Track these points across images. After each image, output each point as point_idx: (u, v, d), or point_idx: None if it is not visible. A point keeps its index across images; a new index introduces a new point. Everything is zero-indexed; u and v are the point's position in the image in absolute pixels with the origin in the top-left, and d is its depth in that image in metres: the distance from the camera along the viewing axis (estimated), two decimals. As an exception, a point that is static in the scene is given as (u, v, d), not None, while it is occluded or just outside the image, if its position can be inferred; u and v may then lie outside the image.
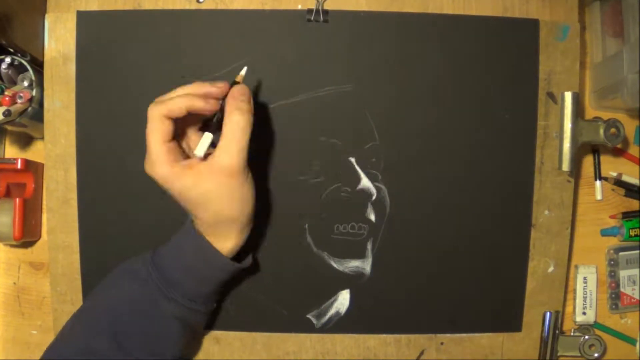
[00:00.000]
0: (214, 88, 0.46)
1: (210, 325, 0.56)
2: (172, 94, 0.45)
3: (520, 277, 0.57)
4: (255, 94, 0.54)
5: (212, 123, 0.46)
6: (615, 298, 0.61)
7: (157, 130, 0.44)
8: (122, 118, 0.54)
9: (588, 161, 0.62)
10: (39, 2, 0.54)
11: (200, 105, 0.44)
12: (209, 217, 0.45)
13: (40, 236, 0.59)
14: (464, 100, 0.56)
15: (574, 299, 0.61)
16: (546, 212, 0.57)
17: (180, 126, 0.47)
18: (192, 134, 0.48)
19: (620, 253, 0.61)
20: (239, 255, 0.49)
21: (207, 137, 0.45)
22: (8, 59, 0.52)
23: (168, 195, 0.46)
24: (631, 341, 0.61)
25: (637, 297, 0.61)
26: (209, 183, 0.44)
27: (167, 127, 0.44)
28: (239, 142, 0.44)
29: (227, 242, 0.47)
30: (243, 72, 0.48)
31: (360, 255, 0.56)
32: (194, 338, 0.54)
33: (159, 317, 0.47)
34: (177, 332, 0.48)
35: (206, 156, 0.45)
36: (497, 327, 0.57)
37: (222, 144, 0.44)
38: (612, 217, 0.62)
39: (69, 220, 0.55)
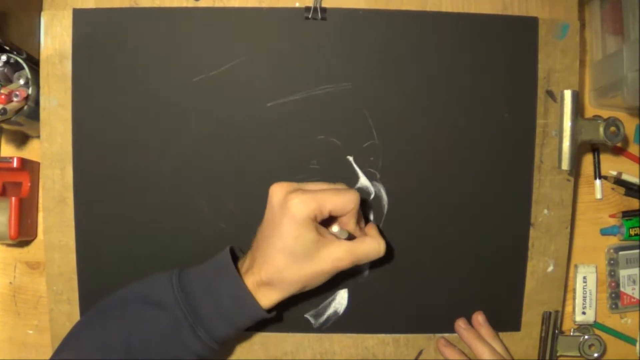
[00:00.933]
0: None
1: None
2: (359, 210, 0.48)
3: (520, 277, 0.56)
4: (253, 92, 0.54)
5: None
6: (615, 298, 0.61)
7: (341, 203, 0.45)
8: (118, 116, 0.54)
9: (588, 160, 0.62)
10: (35, -1, 0.54)
11: (354, 227, 0.49)
12: (280, 271, 0.45)
13: (36, 235, 0.59)
14: (462, 99, 0.55)
15: (574, 298, 0.60)
16: (545, 211, 0.56)
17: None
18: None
19: (620, 252, 0.61)
20: None
21: (345, 234, 0.47)
22: (4, 57, 0.52)
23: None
24: (631, 341, 0.61)
25: (637, 297, 0.61)
26: (321, 255, 0.45)
27: (343, 211, 0.46)
28: (361, 259, 0.46)
29: (263, 300, 0.46)
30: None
31: (359, 255, 0.56)
32: None
33: (180, 351, 0.46)
34: None
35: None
36: (496, 327, 0.56)
37: (352, 247, 0.46)
38: (612, 216, 0.61)
39: (66, 219, 0.54)
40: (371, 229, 0.50)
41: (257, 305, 0.46)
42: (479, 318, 0.56)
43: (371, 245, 0.47)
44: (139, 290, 0.47)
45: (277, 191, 0.46)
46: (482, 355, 0.53)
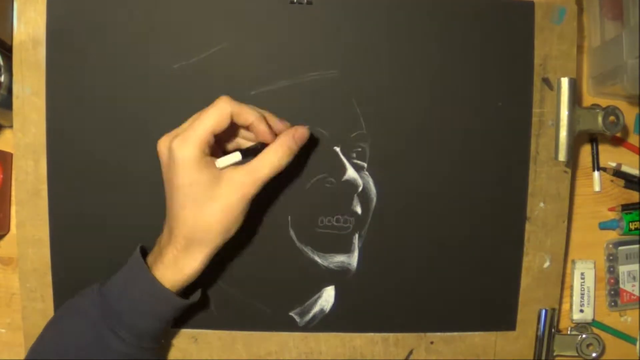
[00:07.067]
0: (281, 125, 0.48)
1: (188, 324, 0.54)
2: (245, 105, 0.46)
3: (515, 273, 0.55)
4: (235, 80, 0.53)
5: (248, 148, 0.47)
6: (614, 295, 0.60)
7: (215, 119, 0.44)
8: (95, 105, 0.52)
9: (586, 151, 0.61)
10: (7, -18, 0.52)
11: (263, 129, 0.46)
12: (192, 226, 0.44)
13: (9, 230, 0.57)
14: (455, 87, 0.54)
15: (571, 295, 0.59)
16: (542, 204, 0.55)
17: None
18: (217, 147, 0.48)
19: (620, 247, 0.60)
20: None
21: (237, 156, 0.45)
22: (-27, 43, 0.50)
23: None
24: (631, 340, 0.60)
25: (637, 294, 0.60)
26: (222, 190, 0.44)
27: (224, 123, 0.44)
28: (266, 174, 0.45)
29: (192, 264, 0.45)
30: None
31: (346, 250, 0.54)
32: None
33: (107, 353, 0.45)
34: None
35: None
36: (489, 326, 0.56)
37: (251, 166, 0.45)
38: (611, 209, 0.60)
39: (40, 212, 0.53)
40: (280, 137, 0.47)
41: (164, 289, 0.45)
42: None
43: (269, 161, 0.45)
44: (72, 302, 0.48)
45: (161, 147, 0.45)
46: None
